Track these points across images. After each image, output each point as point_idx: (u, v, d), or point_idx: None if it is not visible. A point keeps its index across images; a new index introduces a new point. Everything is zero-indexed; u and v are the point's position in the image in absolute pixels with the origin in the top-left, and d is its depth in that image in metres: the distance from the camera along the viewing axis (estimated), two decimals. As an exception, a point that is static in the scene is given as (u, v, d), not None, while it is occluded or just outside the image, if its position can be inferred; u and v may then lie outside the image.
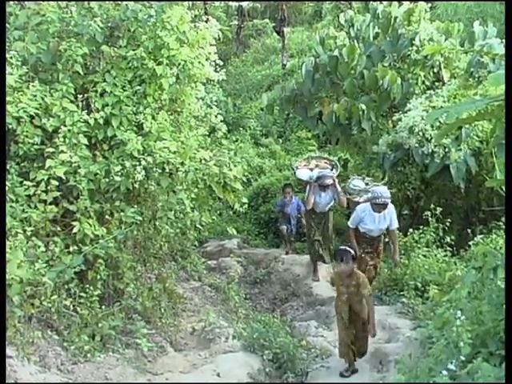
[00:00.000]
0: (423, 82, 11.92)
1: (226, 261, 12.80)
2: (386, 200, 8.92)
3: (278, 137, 20.72)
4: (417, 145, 10.42)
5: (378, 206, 8.99)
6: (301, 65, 12.99)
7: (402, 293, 9.45)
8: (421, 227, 10.36)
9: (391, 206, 9.23)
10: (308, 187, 11.30)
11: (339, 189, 10.79)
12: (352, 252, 7.35)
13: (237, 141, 19.00)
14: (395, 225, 9.37)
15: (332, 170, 11.29)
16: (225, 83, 23.19)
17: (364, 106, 11.80)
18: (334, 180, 10.77)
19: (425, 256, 9.84)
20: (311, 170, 11.43)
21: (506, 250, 3.81)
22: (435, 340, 5.46)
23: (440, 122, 8.96)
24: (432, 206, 10.40)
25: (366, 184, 11.14)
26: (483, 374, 3.85)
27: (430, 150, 10.29)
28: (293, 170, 12.07)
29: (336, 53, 12.05)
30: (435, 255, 9.79)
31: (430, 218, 10.27)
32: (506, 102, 4.00)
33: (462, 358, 3.98)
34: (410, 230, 10.58)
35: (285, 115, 15.84)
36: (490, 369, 3.88)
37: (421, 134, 10.35)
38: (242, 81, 24.19)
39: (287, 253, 13.09)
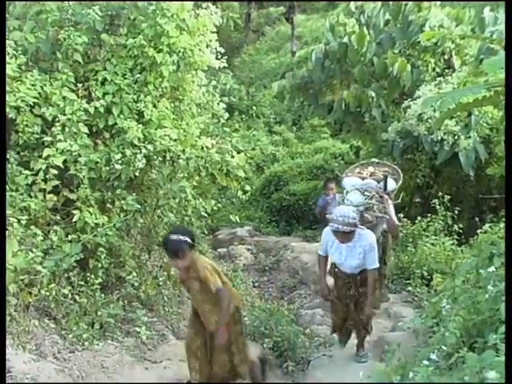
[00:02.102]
0: (434, 69, 11.82)
1: (236, 248, 12.83)
2: (340, 227, 6.35)
3: (292, 124, 20.73)
4: (426, 132, 10.35)
5: (335, 234, 6.53)
6: (310, 52, 12.92)
7: (408, 281, 9.40)
8: (429, 215, 10.28)
9: (368, 237, 6.65)
10: None
11: (390, 209, 7.78)
12: (187, 239, 5.60)
13: (250, 128, 19.02)
14: (372, 264, 6.64)
15: (380, 182, 8.06)
16: (239, 71, 23.28)
17: (374, 94, 11.72)
18: (381, 197, 7.75)
19: (432, 244, 9.77)
20: (363, 179, 8.51)
21: (506, 245, 3.73)
22: (436, 329, 5.41)
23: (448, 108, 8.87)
24: (443, 193, 10.32)
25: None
26: (469, 364, 3.78)
27: (439, 138, 10.21)
28: (337, 176, 9.21)
29: (346, 40, 11.97)
30: (443, 243, 9.71)
31: (438, 206, 10.18)
32: (506, 100, 3.92)
33: (444, 348, 3.92)
34: (419, 217, 10.50)
35: (299, 102, 15.75)
36: (476, 359, 3.81)
37: (430, 121, 10.26)
38: (255, 69, 24.18)
39: None
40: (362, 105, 11.94)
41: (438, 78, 11.19)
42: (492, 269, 4.10)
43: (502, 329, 3.59)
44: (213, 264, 5.98)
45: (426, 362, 3.77)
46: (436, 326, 5.21)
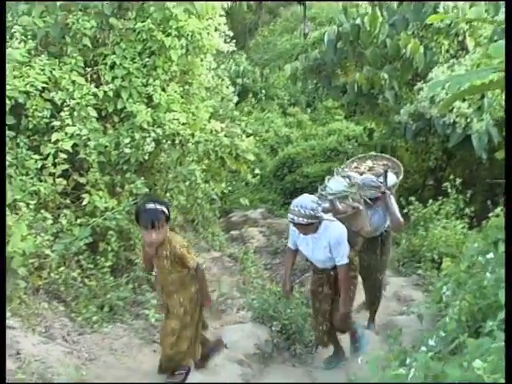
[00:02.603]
0: (447, 51, 11.68)
1: (249, 231, 12.84)
2: (295, 218, 5.77)
3: (306, 106, 20.65)
4: (438, 115, 10.26)
5: (294, 225, 6.01)
6: (323, 34, 12.85)
7: (418, 264, 9.40)
8: (440, 198, 10.25)
9: (334, 230, 5.99)
10: None
11: (393, 206, 7.14)
12: (163, 209, 5.15)
13: (264, 110, 18.99)
14: (341, 259, 6.03)
15: (379, 177, 7.30)
16: (252, 52, 23.16)
17: (386, 76, 11.63)
18: (383, 193, 7.06)
19: (444, 228, 9.74)
20: (361, 174, 7.56)
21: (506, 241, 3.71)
22: (444, 313, 5.42)
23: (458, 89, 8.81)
24: (456, 176, 10.27)
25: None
26: (470, 349, 3.79)
27: (452, 120, 10.12)
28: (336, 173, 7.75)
29: (358, 21, 11.88)
30: (454, 227, 9.68)
31: (449, 189, 10.15)
32: (506, 98, 3.90)
33: (443, 334, 3.93)
34: (431, 200, 10.47)
35: (312, 84, 15.70)
36: (476, 344, 3.81)
37: (442, 103, 10.18)
38: (269, 50, 24.04)
39: None
40: (374, 87, 11.86)
41: (452, 60, 11.07)
42: (491, 255, 4.08)
43: (501, 315, 3.58)
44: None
45: (423, 349, 3.78)
46: (444, 310, 5.22)
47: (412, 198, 10.43)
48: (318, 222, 5.88)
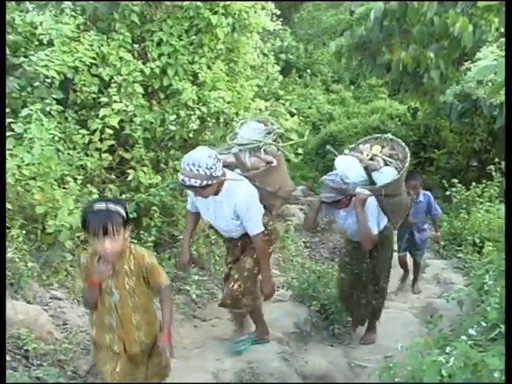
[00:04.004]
0: (497, 29, 11.45)
1: (290, 208, 12.86)
2: (186, 180, 4.67)
3: (349, 83, 20.50)
4: (485, 96, 10.12)
5: (188, 188, 5.00)
6: (369, 11, 12.70)
7: (459, 248, 9.36)
8: (483, 181, 10.17)
9: (240, 193, 4.98)
10: None
11: (365, 213, 5.83)
12: (120, 210, 3.67)
13: (307, 87, 18.89)
14: (253, 229, 5.09)
15: (373, 171, 6.17)
16: (297, 27, 22.98)
17: (432, 55, 11.47)
18: (349, 197, 5.88)
19: (487, 211, 9.67)
20: (360, 161, 6.23)
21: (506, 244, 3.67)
22: (484, 298, 5.40)
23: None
24: (501, 159, 10.14)
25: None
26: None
27: (499, 101, 9.96)
28: (333, 153, 6.64)
29: (406, -2, 11.70)
30: (497, 211, 9.59)
31: (493, 172, 10.05)
32: (506, 100, 3.84)
33: (484, 324, 3.94)
34: (474, 183, 10.39)
35: (357, 61, 15.57)
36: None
37: (490, 84, 10.03)
38: (314, 25, 23.84)
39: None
40: (420, 66, 11.71)
41: (502, 39, 10.87)
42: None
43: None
44: None
45: (463, 338, 3.80)
46: (485, 295, 5.20)
47: (455, 180, 10.35)
48: (217, 182, 4.83)
